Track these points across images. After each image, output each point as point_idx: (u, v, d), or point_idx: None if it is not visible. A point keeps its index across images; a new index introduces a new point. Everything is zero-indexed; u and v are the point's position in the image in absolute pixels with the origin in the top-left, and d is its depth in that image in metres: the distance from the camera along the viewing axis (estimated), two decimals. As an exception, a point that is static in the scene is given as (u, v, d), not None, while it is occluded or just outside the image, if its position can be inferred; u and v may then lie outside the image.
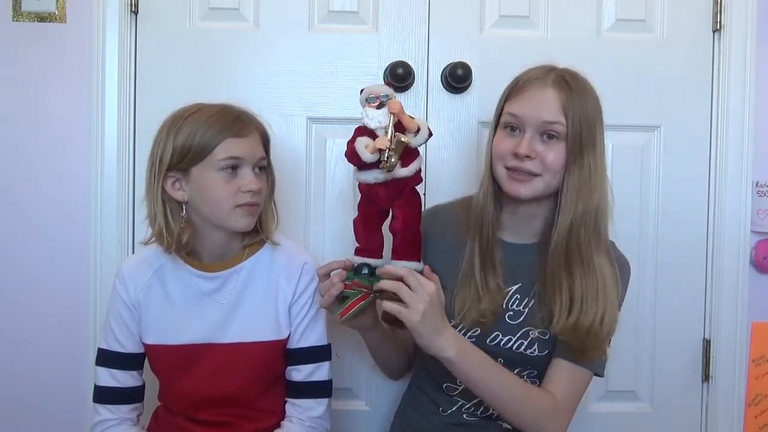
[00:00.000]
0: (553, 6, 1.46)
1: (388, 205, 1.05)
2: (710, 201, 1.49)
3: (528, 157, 1.05)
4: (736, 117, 1.47)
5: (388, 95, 1.01)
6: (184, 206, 1.11)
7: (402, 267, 1.02)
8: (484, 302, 1.08)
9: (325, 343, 1.19)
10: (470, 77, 1.42)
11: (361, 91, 1.04)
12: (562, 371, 1.09)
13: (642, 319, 1.49)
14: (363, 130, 1.02)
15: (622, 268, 1.14)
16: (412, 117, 1.03)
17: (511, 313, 1.12)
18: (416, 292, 0.98)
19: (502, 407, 1.07)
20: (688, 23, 1.48)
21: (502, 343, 1.11)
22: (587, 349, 1.06)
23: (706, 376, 1.51)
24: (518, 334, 1.11)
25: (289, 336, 1.17)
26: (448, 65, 1.43)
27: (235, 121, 1.10)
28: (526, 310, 1.12)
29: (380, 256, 1.07)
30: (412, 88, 1.44)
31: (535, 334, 1.11)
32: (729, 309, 1.48)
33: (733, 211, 1.48)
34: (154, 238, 1.12)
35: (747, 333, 1.50)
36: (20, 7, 1.41)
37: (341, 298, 1.05)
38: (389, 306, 0.99)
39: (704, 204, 1.50)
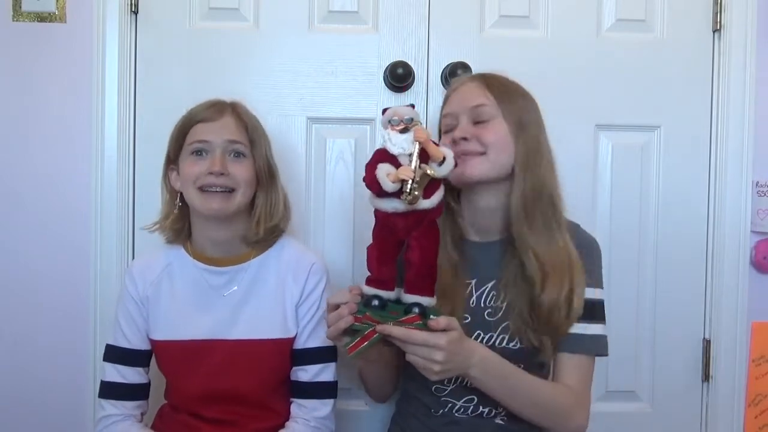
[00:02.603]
0: (553, 6, 1.46)
1: (405, 235, 0.98)
2: (710, 201, 1.49)
3: (464, 139, 1.10)
4: (736, 117, 1.47)
5: (412, 118, 0.96)
6: (179, 195, 1.17)
7: (404, 329, 0.96)
8: (453, 303, 1.08)
9: (332, 344, 1.19)
10: (470, 77, 1.42)
11: (384, 111, 0.98)
12: (569, 363, 1.12)
13: (642, 319, 1.49)
14: (384, 155, 0.96)
15: (591, 247, 1.17)
16: (437, 144, 0.97)
17: (490, 310, 1.13)
18: (426, 351, 0.96)
19: (528, 414, 1.08)
20: (688, 23, 1.48)
21: (484, 341, 1.11)
22: (554, 326, 1.09)
23: (706, 376, 1.51)
24: (499, 330, 1.11)
25: (295, 335, 1.17)
26: (448, 65, 1.43)
27: (206, 109, 1.15)
28: (504, 305, 1.12)
29: (392, 288, 1.01)
30: (412, 88, 1.44)
31: (513, 327, 1.11)
32: (729, 309, 1.48)
33: (733, 211, 1.48)
34: (157, 226, 1.19)
35: (747, 333, 1.50)
36: (20, 7, 1.41)
37: (350, 331, 1.00)
38: (412, 359, 0.97)
39: (704, 204, 1.50)
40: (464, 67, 1.41)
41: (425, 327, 0.96)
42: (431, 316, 0.98)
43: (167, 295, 1.18)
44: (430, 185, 0.95)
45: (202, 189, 1.12)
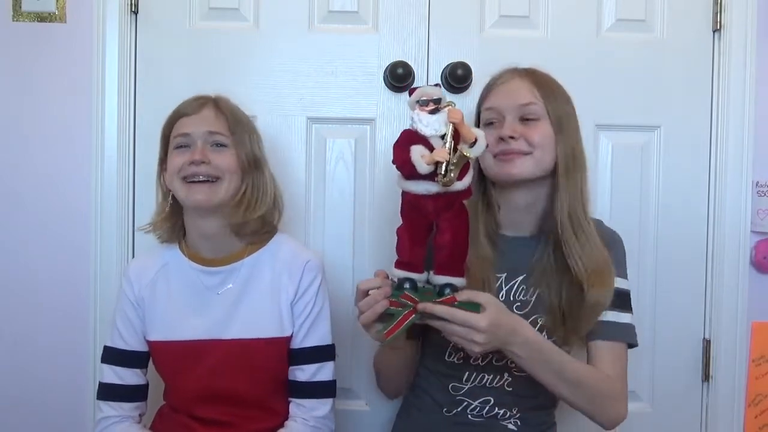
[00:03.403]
0: (553, 6, 1.46)
1: (436, 217, 0.97)
2: (710, 201, 1.49)
3: (512, 138, 1.10)
4: (736, 117, 1.47)
5: (440, 98, 0.94)
6: (171, 193, 1.16)
7: (447, 307, 0.96)
8: None
9: (329, 342, 1.19)
10: (470, 77, 1.42)
11: (410, 92, 0.97)
12: (604, 352, 1.12)
13: (642, 318, 1.48)
14: (413, 136, 0.94)
15: (614, 240, 1.19)
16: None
17: (519, 303, 1.14)
18: (466, 332, 0.96)
19: (571, 397, 1.08)
20: (688, 23, 1.48)
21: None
22: (590, 323, 1.11)
23: (706, 376, 1.51)
24: (528, 322, 1.11)
25: (292, 334, 1.17)
26: (448, 65, 1.43)
27: (189, 104, 1.17)
28: (533, 298, 1.13)
29: (422, 271, 1.00)
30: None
31: (542, 320, 1.12)
32: (729, 309, 1.48)
33: (733, 211, 1.48)
34: (151, 227, 1.19)
35: (747, 333, 1.50)
36: (20, 7, 1.41)
37: (383, 317, 0.99)
38: (452, 338, 0.98)
39: (704, 204, 1.50)
40: (464, 67, 1.41)
41: (463, 307, 0.96)
42: None
43: (163, 296, 1.18)
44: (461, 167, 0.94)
45: (186, 180, 1.12)
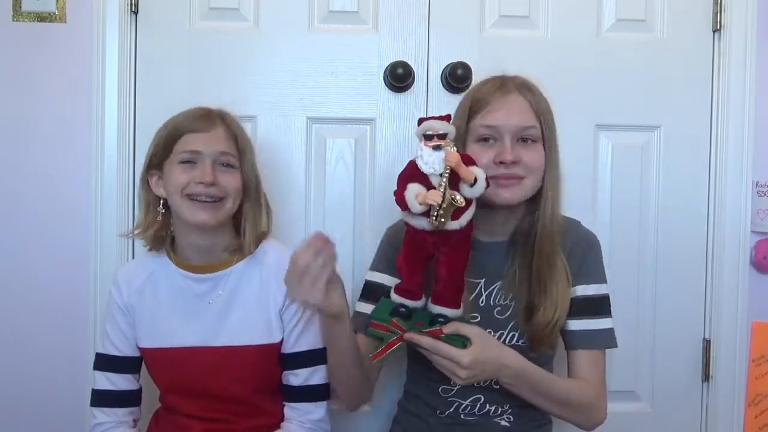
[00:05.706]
0: (553, 6, 1.46)
1: (435, 250, 0.99)
2: (710, 201, 1.49)
3: (514, 162, 1.08)
4: (736, 117, 1.47)
5: (446, 134, 0.94)
6: (161, 201, 1.16)
7: (432, 339, 0.98)
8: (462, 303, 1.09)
9: (321, 346, 1.18)
10: (470, 77, 1.42)
11: (419, 122, 0.97)
12: (584, 360, 1.14)
13: (642, 319, 1.49)
14: (415, 170, 0.95)
15: (593, 244, 1.18)
16: (471, 163, 0.96)
17: (499, 308, 1.14)
18: (450, 365, 0.98)
19: (556, 412, 1.11)
20: (688, 23, 1.48)
21: (495, 339, 1.12)
22: (548, 338, 1.12)
23: (706, 376, 1.51)
24: (509, 327, 1.13)
25: (282, 340, 1.17)
26: (448, 65, 1.43)
27: (198, 118, 1.15)
28: (513, 303, 1.14)
29: (419, 298, 1.02)
30: (412, 88, 1.44)
31: (523, 325, 1.13)
32: (729, 309, 1.48)
33: (733, 211, 1.48)
34: (137, 231, 1.18)
35: (747, 333, 1.50)
36: (20, 7, 1.41)
37: (374, 338, 1.02)
38: (438, 367, 1.00)
39: (704, 204, 1.50)
40: (464, 67, 1.41)
41: (449, 340, 0.98)
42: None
43: (152, 303, 1.18)
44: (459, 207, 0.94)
45: (189, 197, 1.11)
